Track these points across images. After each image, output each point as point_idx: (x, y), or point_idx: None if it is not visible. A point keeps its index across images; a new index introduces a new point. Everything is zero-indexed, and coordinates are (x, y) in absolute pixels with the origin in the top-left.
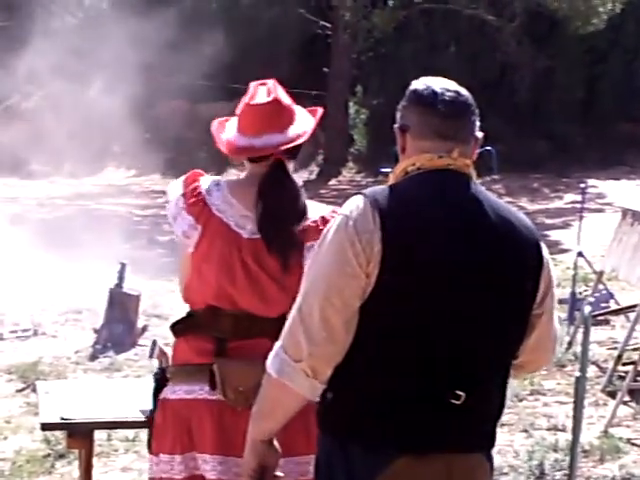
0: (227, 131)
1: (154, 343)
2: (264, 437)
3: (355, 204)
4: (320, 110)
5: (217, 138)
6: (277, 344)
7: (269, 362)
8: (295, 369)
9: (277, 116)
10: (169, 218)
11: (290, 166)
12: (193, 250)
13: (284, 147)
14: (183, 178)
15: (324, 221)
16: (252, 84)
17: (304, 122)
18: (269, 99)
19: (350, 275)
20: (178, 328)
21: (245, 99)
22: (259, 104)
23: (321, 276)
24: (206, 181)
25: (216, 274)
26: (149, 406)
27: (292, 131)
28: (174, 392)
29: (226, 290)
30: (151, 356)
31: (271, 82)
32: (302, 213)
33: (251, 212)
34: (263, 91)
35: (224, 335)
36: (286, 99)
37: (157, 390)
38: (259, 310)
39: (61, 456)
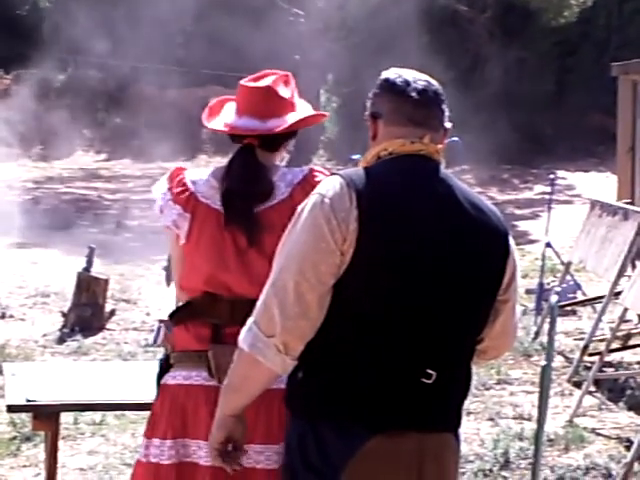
0: (227, 111)
1: (159, 329)
2: (233, 411)
3: (331, 184)
4: (321, 114)
5: (209, 111)
6: (250, 319)
7: (241, 337)
8: (267, 344)
9: (263, 103)
10: (157, 213)
11: (272, 157)
12: (185, 241)
13: (254, 133)
14: (167, 175)
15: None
16: (266, 70)
17: (292, 117)
18: (262, 85)
19: (325, 251)
20: (177, 317)
21: (244, 80)
22: (249, 87)
23: (296, 252)
24: (191, 173)
25: (208, 261)
26: (117, 389)
27: (272, 122)
28: (174, 378)
29: (219, 276)
30: (155, 341)
31: (282, 73)
32: (264, 193)
33: None
34: (267, 78)
35: (221, 321)
36: (284, 92)
37: (160, 376)
38: (253, 293)
39: (27, 439)
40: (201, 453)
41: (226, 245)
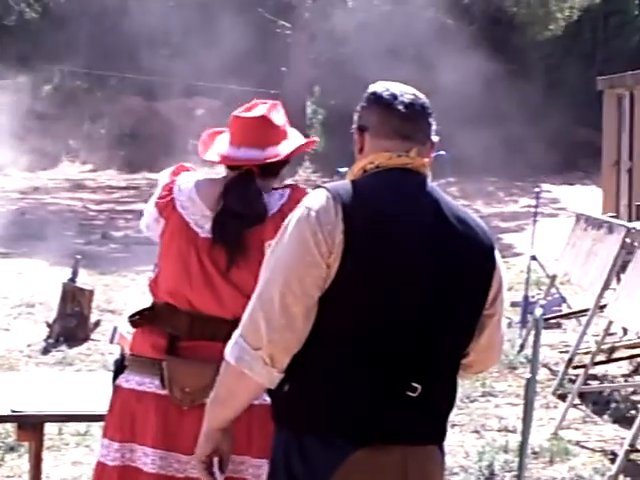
0: (219, 143)
1: (115, 329)
2: (220, 424)
3: (317, 197)
4: (313, 140)
5: (203, 145)
6: (236, 332)
7: (228, 350)
8: (254, 357)
9: (260, 132)
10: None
11: (269, 183)
12: (159, 243)
13: (255, 163)
14: (171, 169)
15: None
16: (254, 100)
17: (287, 145)
18: (256, 115)
19: (311, 264)
20: (136, 320)
21: (237, 111)
22: (244, 117)
23: (282, 264)
24: (184, 177)
25: (173, 272)
26: (102, 400)
27: (271, 151)
28: (127, 381)
29: (182, 289)
30: (112, 341)
31: (271, 102)
32: (259, 217)
33: (211, 212)
34: (258, 108)
35: (179, 333)
36: (278, 120)
37: (115, 375)
38: (214, 311)
39: (11, 449)
40: (146, 460)
41: (192, 261)
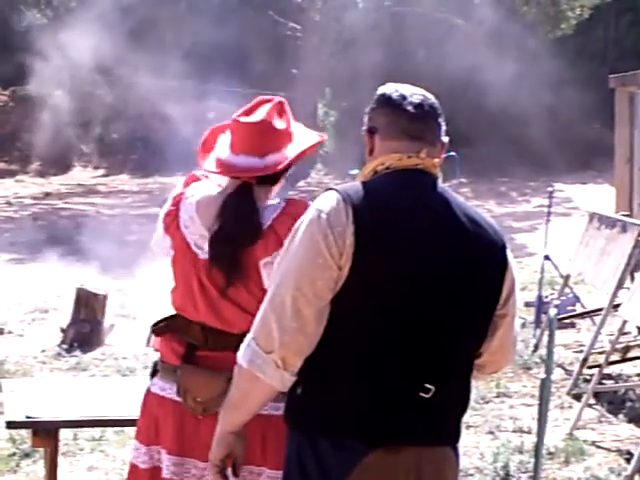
0: (220, 146)
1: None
2: (234, 428)
3: (327, 199)
4: (318, 141)
5: (203, 147)
6: (248, 336)
7: (240, 353)
8: (266, 360)
9: (260, 139)
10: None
11: (269, 190)
12: (170, 259)
13: (253, 174)
14: (184, 179)
15: (273, 230)
16: (259, 98)
17: (290, 150)
18: (258, 119)
19: (322, 266)
20: (157, 328)
21: (239, 112)
22: (246, 122)
23: (293, 267)
24: (193, 188)
25: (179, 292)
26: (116, 405)
27: (271, 159)
28: (153, 385)
29: (189, 309)
30: (147, 344)
31: (277, 100)
32: (253, 237)
33: (209, 232)
34: (260, 109)
35: (196, 342)
36: (280, 123)
37: (151, 377)
38: (221, 327)
39: (27, 455)
40: (165, 463)
41: (193, 283)
